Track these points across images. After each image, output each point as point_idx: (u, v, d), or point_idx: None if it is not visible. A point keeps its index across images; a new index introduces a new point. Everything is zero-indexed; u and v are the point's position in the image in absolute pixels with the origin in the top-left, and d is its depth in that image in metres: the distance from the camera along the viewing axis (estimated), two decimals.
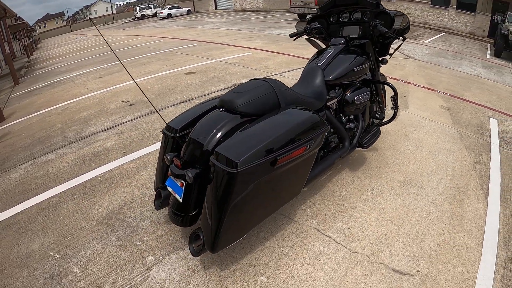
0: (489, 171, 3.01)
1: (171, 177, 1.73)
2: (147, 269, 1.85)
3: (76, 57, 12.52)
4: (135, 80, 2.38)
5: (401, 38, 2.49)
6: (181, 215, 1.69)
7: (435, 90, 5.30)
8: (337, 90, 2.39)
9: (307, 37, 2.78)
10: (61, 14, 75.15)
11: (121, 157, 3.20)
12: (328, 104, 2.33)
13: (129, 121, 4.18)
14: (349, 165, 2.95)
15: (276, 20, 16.27)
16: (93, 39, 22.00)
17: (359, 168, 2.90)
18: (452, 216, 2.34)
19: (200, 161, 1.61)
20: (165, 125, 2.01)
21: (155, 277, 1.79)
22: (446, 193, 2.61)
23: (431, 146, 3.37)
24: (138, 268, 1.86)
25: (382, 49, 2.68)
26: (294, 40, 2.75)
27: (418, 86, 5.45)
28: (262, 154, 1.48)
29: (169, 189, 1.76)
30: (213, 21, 19.72)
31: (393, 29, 2.42)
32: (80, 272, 1.88)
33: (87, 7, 77.47)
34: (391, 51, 2.73)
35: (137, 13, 39.23)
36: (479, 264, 1.94)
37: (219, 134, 1.62)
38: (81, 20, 73.24)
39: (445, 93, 5.18)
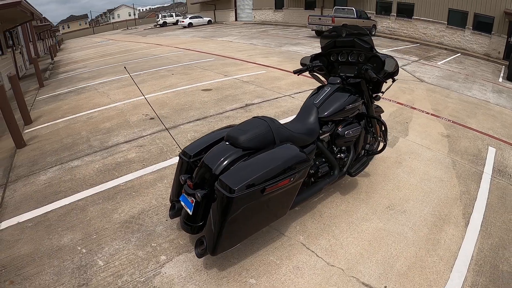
0: (475, 200, 3.26)
1: (184, 194, 2.19)
2: (159, 266, 2.30)
3: (99, 64, 13.32)
4: (146, 96, 2.93)
5: (387, 80, 2.88)
6: (190, 224, 2.16)
7: (439, 116, 5.60)
8: (329, 125, 2.75)
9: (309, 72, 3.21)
10: (85, 16, 78.93)
11: (141, 169, 3.70)
12: (321, 137, 2.71)
13: (148, 135, 4.70)
14: (340, 188, 3.30)
15: (294, 36, 16.85)
16: (116, 45, 23.10)
17: (349, 192, 3.25)
18: (428, 241, 2.67)
19: (208, 184, 2.08)
20: (174, 142, 2.48)
21: (165, 273, 2.23)
22: (427, 219, 2.92)
23: (422, 174, 3.67)
24: (152, 264, 2.31)
25: (375, 87, 3.05)
26: (298, 75, 3.17)
27: (423, 112, 5.76)
28: (254, 184, 1.92)
29: (182, 203, 2.23)
30: (232, 33, 20.51)
31: (384, 71, 2.79)
32: (104, 265, 2.34)
33: (110, 11, 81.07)
34: (383, 89, 3.14)
35: (159, 21, 40.91)
36: (444, 286, 2.28)
37: (224, 164, 2.06)
38: (103, 23, 76.49)
39: (449, 120, 5.48)
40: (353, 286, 2.18)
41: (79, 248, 2.55)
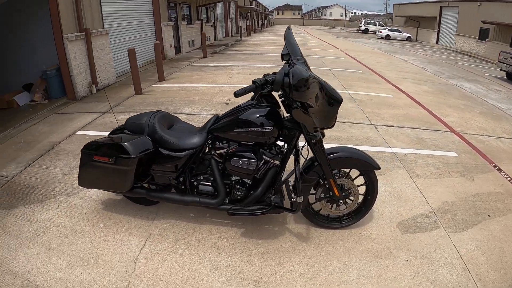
0: None
1: None
2: (84, 191, 3.23)
3: (265, 50, 15.22)
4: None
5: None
6: None
7: None
8: (222, 144, 2.54)
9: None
10: (299, 7, 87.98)
11: None
12: (213, 153, 2.57)
13: (205, 114, 5.54)
14: (257, 235, 2.78)
15: (479, 72, 14.05)
16: (304, 38, 25.32)
17: (250, 237, 2.72)
18: None
19: None
20: None
21: (79, 196, 3.20)
22: None
23: (386, 285, 2.30)
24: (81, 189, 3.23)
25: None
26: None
27: None
28: (89, 149, 2.62)
29: None
30: (417, 54, 18.98)
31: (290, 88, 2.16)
32: (62, 177, 3.45)
33: (324, 8, 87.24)
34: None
35: (361, 26, 42.03)
36: None
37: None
38: (315, 18, 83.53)
39: None
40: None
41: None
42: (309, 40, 24.78)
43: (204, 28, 15.81)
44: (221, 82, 7.94)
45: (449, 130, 5.64)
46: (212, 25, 17.79)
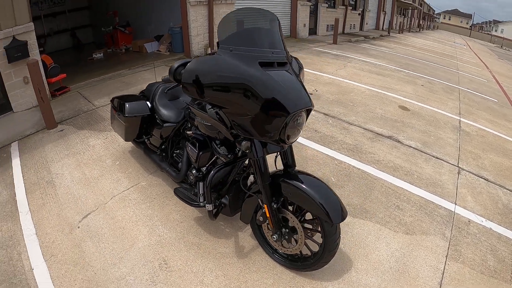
0: None
1: None
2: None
3: (401, 51, 13.44)
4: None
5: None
6: None
7: None
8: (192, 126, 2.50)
9: None
10: (469, 16, 73.76)
11: None
12: (188, 132, 2.42)
13: None
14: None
15: None
16: (457, 49, 21.65)
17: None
18: None
19: None
20: None
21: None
22: None
23: None
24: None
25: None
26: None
27: None
28: (113, 101, 3.08)
29: None
30: None
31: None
32: None
33: (496, 22, 70.57)
34: None
35: None
36: None
37: None
38: (485, 32, 69.23)
39: None
40: None
41: None
42: (460, 52, 20.88)
43: (348, 15, 14.69)
44: (327, 71, 7.32)
45: None
46: (359, 14, 16.40)
